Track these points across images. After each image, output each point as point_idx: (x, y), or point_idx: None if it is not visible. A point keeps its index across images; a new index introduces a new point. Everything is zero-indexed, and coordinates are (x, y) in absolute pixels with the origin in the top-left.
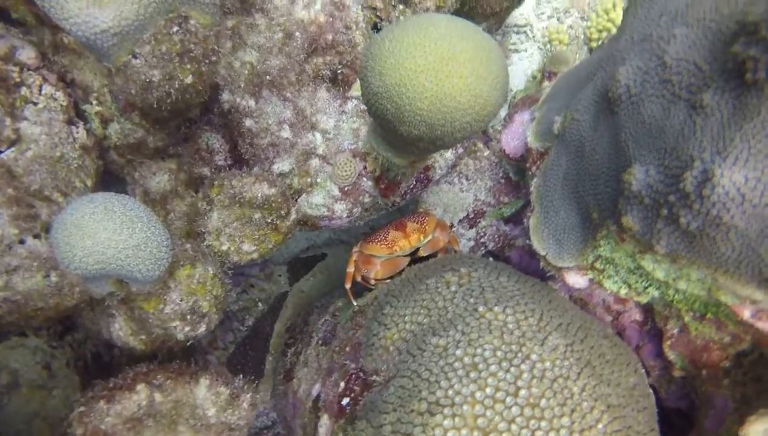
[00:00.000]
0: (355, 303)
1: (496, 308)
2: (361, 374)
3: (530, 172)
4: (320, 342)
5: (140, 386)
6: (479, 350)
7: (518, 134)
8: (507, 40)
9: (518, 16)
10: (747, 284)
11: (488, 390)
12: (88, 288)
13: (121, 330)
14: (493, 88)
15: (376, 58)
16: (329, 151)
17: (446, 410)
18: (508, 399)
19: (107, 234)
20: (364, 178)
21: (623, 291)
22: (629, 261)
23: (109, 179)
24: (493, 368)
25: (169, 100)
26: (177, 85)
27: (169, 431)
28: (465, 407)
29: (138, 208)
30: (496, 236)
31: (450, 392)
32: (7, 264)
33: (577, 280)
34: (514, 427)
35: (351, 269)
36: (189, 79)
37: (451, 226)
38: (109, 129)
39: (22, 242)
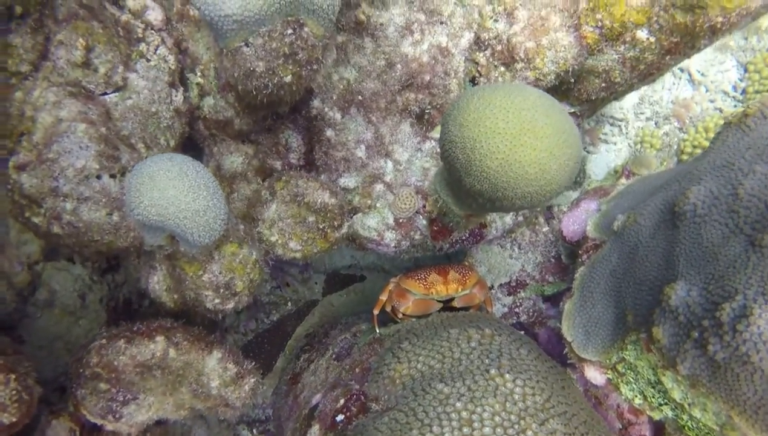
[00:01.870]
0: (378, 330)
1: (507, 375)
2: (362, 397)
3: (580, 260)
4: (334, 357)
5: (160, 338)
6: (479, 409)
7: (580, 220)
8: (599, 129)
9: (617, 108)
10: (762, 433)
11: None
12: (142, 236)
13: (158, 284)
14: (561, 168)
15: (460, 109)
16: (396, 181)
17: None
18: None
19: (174, 192)
20: (420, 217)
21: (637, 401)
22: (650, 373)
23: (189, 145)
24: (487, 430)
25: (265, 92)
26: (276, 81)
27: (171, 388)
28: None
29: (208, 178)
30: (531, 310)
31: None
32: (81, 193)
33: (595, 375)
34: None
35: (383, 298)
36: (288, 79)
37: (491, 287)
38: (204, 102)
39: (98, 177)
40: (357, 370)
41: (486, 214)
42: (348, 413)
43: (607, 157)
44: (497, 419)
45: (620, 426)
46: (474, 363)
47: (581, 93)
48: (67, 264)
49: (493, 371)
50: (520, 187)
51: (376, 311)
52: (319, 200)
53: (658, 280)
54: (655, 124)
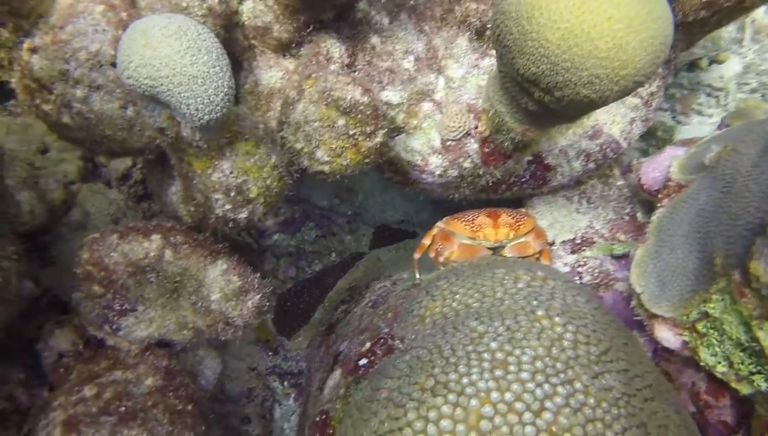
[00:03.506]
0: (418, 276)
1: (557, 318)
2: (390, 340)
3: (659, 206)
4: (370, 304)
5: (155, 236)
6: (517, 351)
7: (662, 166)
8: (693, 98)
9: (716, 76)
10: None
11: (507, 395)
12: (143, 115)
13: (175, 194)
14: (642, 47)
15: None
16: (446, 99)
17: (450, 396)
18: (527, 415)
19: (168, 51)
20: (472, 140)
21: (720, 369)
22: (741, 330)
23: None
24: (525, 375)
25: None
26: None
27: (169, 297)
28: (473, 402)
29: (213, 43)
30: (596, 270)
31: (464, 380)
32: (93, 80)
33: (668, 336)
34: None
35: (427, 241)
36: None
37: (552, 243)
38: (244, 5)
39: (114, 65)
40: (389, 315)
41: (545, 128)
42: (372, 357)
43: (700, 130)
44: (539, 364)
45: (694, 409)
46: (518, 303)
47: (676, 12)
48: (104, 187)
49: (540, 312)
50: (586, 69)
51: (417, 255)
52: (349, 97)
53: (761, 210)
54: (762, 97)
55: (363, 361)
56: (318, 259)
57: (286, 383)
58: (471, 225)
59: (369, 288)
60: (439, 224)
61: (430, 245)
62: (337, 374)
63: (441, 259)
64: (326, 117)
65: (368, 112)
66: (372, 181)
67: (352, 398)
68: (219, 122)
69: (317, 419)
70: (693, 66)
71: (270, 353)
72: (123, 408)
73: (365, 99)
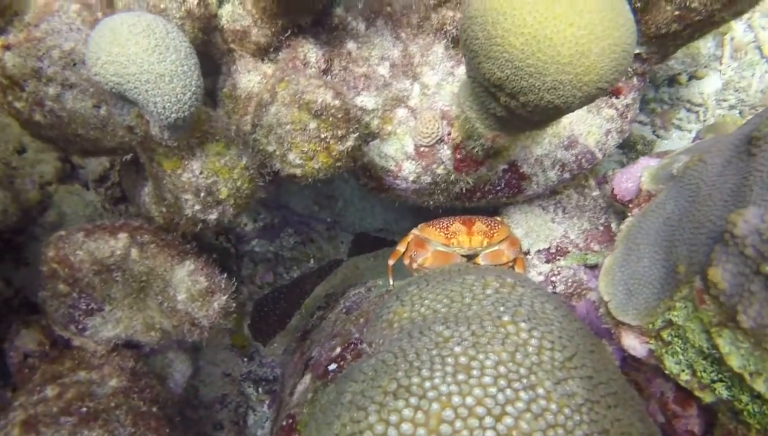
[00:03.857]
0: (391, 282)
1: (522, 324)
2: (359, 345)
3: (630, 215)
4: (344, 310)
5: (122, 235)
6: (481, 356)
7: (634, 177)
8: (673, 113)
9: (695, 92)
10: None
11: (469, 399)
12: (113, 113)
13: (147, 195)
14: (605, 54)
15: None
16: (421, 106)
17: (412, 400)
18: (487, 419)
19: (136, 49)
20: (445, 146)
21: (684, 377)
22: (702, 338)
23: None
24: (487, 379)
25: None
26: None
27: (136, 297)
28: (434, 405)
29: (181, 42)
30: (569, 280)
31: (427, 384)
32: (66, 78)
33: (634, 344)
34: None
35: (401, 248)
36: None
37: (527, 252)
38: (223, 9)
39: (85, 63)
40: (362, 320)
41: (514, 134)
42: (342, 362)
43: (679, 144)
44: (502, 369)
45: (663, 420)
46: (485, 309)
47: (648, 25)
48: (81, 189)
49: (505, 318)
50: (549, 75)
51: (391, 262)
52: (320, 100)
53: (722, 218)
54: (740, 113)
55: (332, 366)
56: (296, 265)
57: (260, 390)
58: (445, 232)
59: (344, 295)
60: (414, 231)
61: (404, 252)
62: (307, 378)
63: (415, 265)
64: (298, 120)
65: (339, 116)
66: (352, 188)
67: (317, 402)
68: (188, 122)
69: (284, 423)
70: (673, 81)
71: (245, 359)
72: (84, 409)
73: (336, 102)
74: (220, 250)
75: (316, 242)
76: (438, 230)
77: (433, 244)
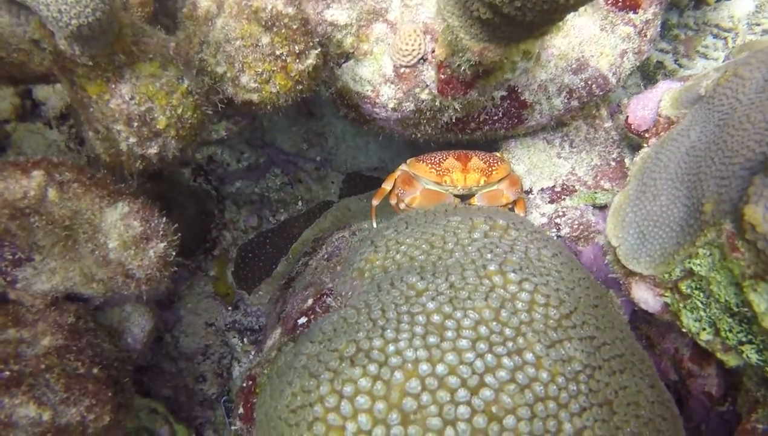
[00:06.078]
0: (374, 223)
1: (511, 275)
2: (328, 297)
3: (645, 146)
4: (325, 256)
5: (36, 172)
6: (458, 314)
7: (653, 103)
8: (698, 40)
9: (724, 15)
10: None
11: (440, 367)
12: (11, 24)
13: (89, 132)
14: None
15: None
16: (402, 20)
17: (371, 367)
18: (461, 392)
19: None
20: (428, 66)
21: (705, 336)
22: (730, 292)
23: None
24: (463, 342)
25: None
26: None
27: (65, 245)
28: (397, 375)
29: None
30: (576, 222)
31: (390, 348)
32: None
33: (646, 297)
34: (449, 432)
35: (387, 186)
36: None
37: (529, 191)
38: None
39: None
40: (338, 268)
41: (506, 45)
42: (312, 316)
43: None
44: (482, 329)
45: (676, 378)
46: (469, 256)
47: None
48: (43, 127)
49: (492, 267)
50: None
51: (375, 202)
52: (270, 6)
53: (763, 144)
54: None
55: (302, 320)
56: (283, 207)
57: (245, 340)
58: (437, 168)
59: (328, 239)
60: (403, 167)
61: (391, 190)
62: (277, 333)
63: (402, 205)
64: (248, 34)
65: (294, 27)
66: (344, 124)
67: (276, 363)
68: (98, 31)
69: (244, 384)
70: (700, 3)
71: (229, 308)
72: (7, 372)
73: (289, 10)
74: (199, 192)
75: (305, 183)
76: (429, 165)
77: (423, 181)
